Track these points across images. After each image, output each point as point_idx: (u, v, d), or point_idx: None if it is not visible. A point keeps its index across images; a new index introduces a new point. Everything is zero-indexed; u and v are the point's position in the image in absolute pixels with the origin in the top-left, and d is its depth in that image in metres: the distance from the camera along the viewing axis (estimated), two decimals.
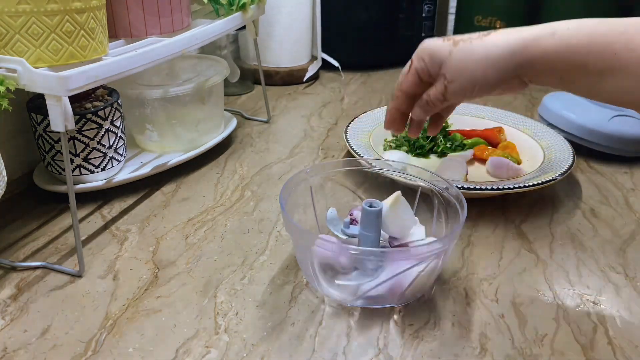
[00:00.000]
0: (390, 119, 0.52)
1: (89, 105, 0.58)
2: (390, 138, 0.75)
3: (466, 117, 0.80)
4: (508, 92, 0.46)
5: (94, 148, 0.59)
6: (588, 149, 0.74)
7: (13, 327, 0.43)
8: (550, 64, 0.40)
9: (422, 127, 0.54)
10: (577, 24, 0.40)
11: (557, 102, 0.79)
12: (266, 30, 1.02)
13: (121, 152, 0.63)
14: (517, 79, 0.43)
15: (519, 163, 0.69)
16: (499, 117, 0.80)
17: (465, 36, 0.44)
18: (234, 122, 0.78)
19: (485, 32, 0.43)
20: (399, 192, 0.47)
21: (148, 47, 0.54)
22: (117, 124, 0.61)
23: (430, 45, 0.46)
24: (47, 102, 0.45)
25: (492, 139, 0.74)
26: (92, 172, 0.60)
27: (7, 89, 0.43)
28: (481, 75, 0.43)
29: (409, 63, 0.48)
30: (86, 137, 0.58)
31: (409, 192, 0.53)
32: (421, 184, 0.52)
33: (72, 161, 0.58)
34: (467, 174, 0.65)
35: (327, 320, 0.44)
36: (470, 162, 0.71)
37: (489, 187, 0.57)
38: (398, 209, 0.47)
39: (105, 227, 0.57)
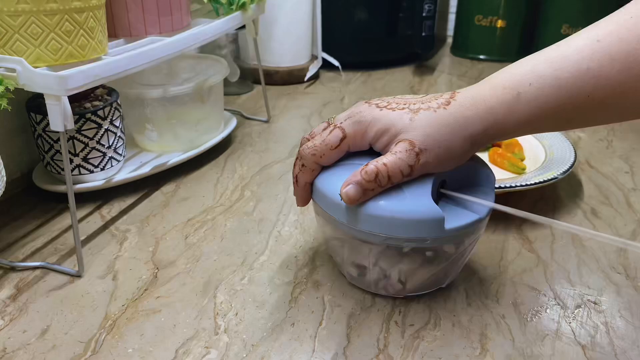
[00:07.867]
0: (305, 197, 0.45)
1: (88, 104, 0.58)
2: None
3: None
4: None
5: (94, 148, 0.59)
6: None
7: (12, 328, 0.43)
8: (524, 129, 0.38)
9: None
10: (537, 77, 0.36)
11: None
12: (266, 30, 1.02)
13: (120, 152, 0.63)
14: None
15: (522, 159, 0.69)
16: None
17: (416, 102, 0.39)
18: (233, 122, 0.78)
19: (442, 100, 0.39)
20: None
21: (148, 46, 0.54)
22: (117, 123, 0.61)
23: (383, 116, 0.40)
24: (46, 101, 0.45)
25: None
26: (91, 172, 0.60)
27: (7, 89, 0.43)
28: (459, 149, 0.38)
29: (335, 133, 0.42)
30: (85, 136, 0.57)
31: None
32: None
33: (71, 161, 0.58)
34: None
35: (327, 320, 0.44)
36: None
37: None
38: None
39: (104, 227, 0.57)
